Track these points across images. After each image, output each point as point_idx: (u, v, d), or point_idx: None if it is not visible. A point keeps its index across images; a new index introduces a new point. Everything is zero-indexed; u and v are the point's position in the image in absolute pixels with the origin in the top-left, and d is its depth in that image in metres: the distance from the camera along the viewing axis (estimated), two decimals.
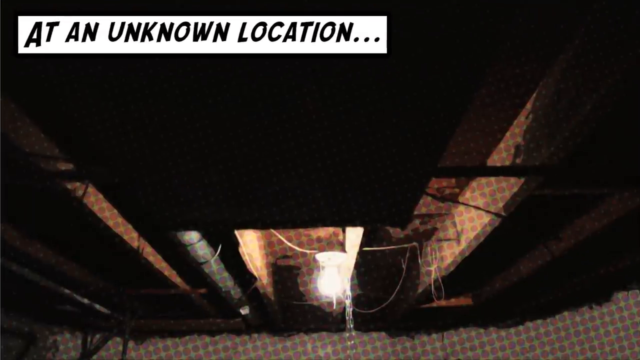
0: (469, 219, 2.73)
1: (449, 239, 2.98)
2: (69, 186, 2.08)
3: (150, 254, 3.09)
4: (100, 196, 2.42)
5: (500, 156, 2.27)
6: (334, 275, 3.14)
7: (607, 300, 3.86)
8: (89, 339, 5.08)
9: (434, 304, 4.03)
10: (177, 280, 3.67)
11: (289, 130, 0.87)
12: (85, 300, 3.65)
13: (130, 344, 5.17)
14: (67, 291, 3.38)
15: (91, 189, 2.29)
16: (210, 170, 1.02)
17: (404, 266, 3.37)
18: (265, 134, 0.90)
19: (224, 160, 1.00)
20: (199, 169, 1.02)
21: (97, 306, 3.81)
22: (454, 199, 2.56)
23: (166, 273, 3.40)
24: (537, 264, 3.35)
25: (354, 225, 2.16)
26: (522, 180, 2.07)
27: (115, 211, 2.57)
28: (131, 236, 2.79)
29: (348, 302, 3.17)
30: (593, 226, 2.79)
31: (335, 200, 1.13)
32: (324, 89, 0.78)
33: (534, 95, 1.96)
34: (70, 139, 1.70)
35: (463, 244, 2.79)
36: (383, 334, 5.39)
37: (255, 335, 5.43)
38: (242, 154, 0.97)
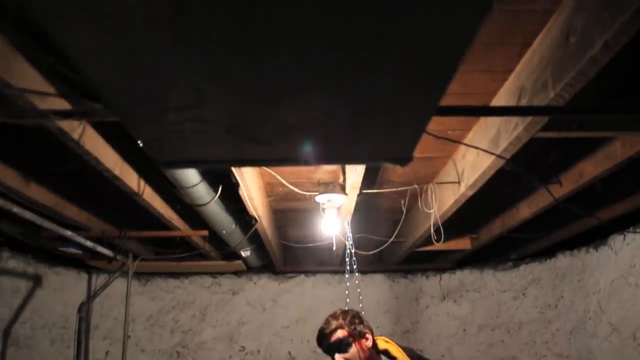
0: (470, 162, 2.72)
1: (449, 182, 2.98)
2: (66, 127, 2.05)
3: (151, 196, 3.09)
4: (99, 138, 2.39)
5: (504, 98, 2.23)
6: (334, 217, 3.16)
7: (603, 244, 3.90)
8: (93, 280, 5.19)
9: (433, 247, 4.08)
10: (178, 222, 3.70)
11: (291, 61, 0.83)
12: (88, 243, 3.69)
13: (134, 284, 5.28)
14: (69, 233, 3.40)
15: (89, 131, 2.26)
16: (208, 104, 0.99)
17: (403, 209, 3.39)
18: (266, 65, 0.86)
19: (222, 94, 0.96)
20: (197, 104, 0.99)
21: (100, 248, 3.86)
22: (456, 140, 2.54)
23: (167, 215, 3.42)
24: (536, 208, 3.37)
25: (356, 163, 2.14)
26: (526, 122, 2.03)
27: (114, 152, 2.55)
28: (131, 178, 2.79)
29: (349, 243, 3.20)
30: (594, 171, 2.78)
31: (338, 138, 1.10)
32: (328, 13, 0.74)
33: (542, 34, 1.90)
34: (64, 75, 1.66)
35: (463, 187, 2.80)
36: (382, 275, 5.50)
37: (256, 276, 5.54)
38: (241, 87, 0.93)
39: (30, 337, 4.65)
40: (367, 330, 2.24)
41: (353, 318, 2.24)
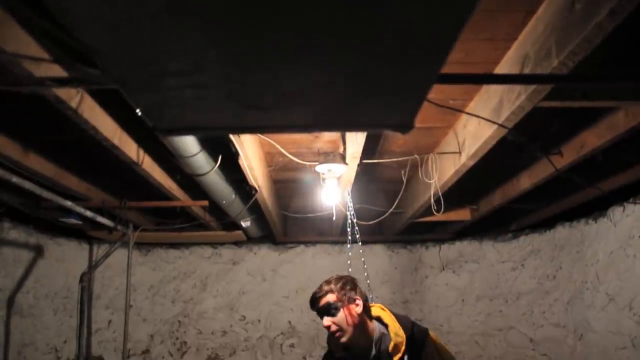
0: (471, 132, 2.70)
1: (450, 152, 2.96)
2: (64, 95, 2.03)
3: (150, 166, 3.08)
4: (97, 107, 2.37)
5: (507, 66, 2.20)
6: (334, 187, 3.16)
7: (603, 215, 3.90)
8: (94, 251, 5.22)
9: (433, 218, 4.09)
10: (178, 192, 3.70)
11: (290, 27, 0.81)
12: (88, 213, 3.69)
13: (135, 255, 5.32)
14: (68, 203, 3.40)
15: (87, 99, 2.24)
16: (207, 70, 0.97)
17: (404, 179, 3.38)
18: (265, 31, 0.84)
19: (221, 60, 0.94)
20: (196, 69, 0.97)
21: (100, 218, 3.87)
22: (457, 109, 2.51)
23: (167, 185, 3.42)
24: (537, 178, 3.36)
25: (357, 130, 2.13)
26: (529, 91, 2.01)
27: (113, 121, 2.53)
28: (130, 147, 2.77)
29: (350, 213, 3.21)
30: (596, 141, 2.76)
31: (338, 104, 1.09)
32: None
33: (546, 0, 1.86)
34: (59, 40, 1.63)
35: (464, 157, 2.78)
36: (382, 246, 5.53)
37: (256, 247, 5.58)
38: (240, 54, 0.91)
39: (34, 307, 4.70)
40: (357, 297, 2.28)
41: (345, 284, 2.28)
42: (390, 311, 2.37)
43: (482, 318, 5.16)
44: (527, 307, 4.77)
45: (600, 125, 2.72)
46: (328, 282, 2.30)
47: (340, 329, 2.21)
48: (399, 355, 2.23)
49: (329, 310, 2.22)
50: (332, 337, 2.24)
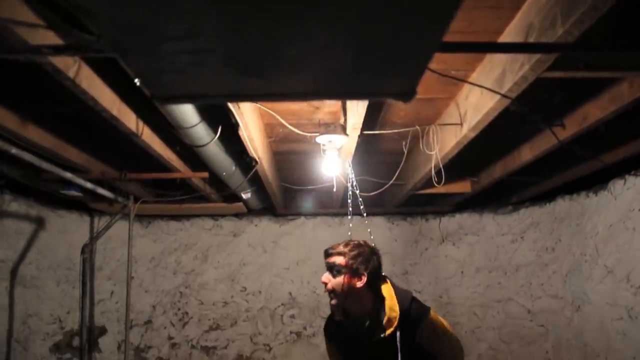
0: (473, 103, 2.68)
1: (451, 124, 2.94)
2: (61, 65, 2.00)
3: (150, 137, 3.07)
4: (95, 77, 2.34)
5: (511, 36, 2.17)
6: (334, 159, 3.15)
7: (604, 188, 3.90)
8: (95, 223, 5.24)
9: (433, 190, 4.09)
10: (178, 164, 3.69)
11: None
12: (88, 184, 3.69)
13: (136, 227, 5.34)
14: (68, 175, 3.40)
15: (84, 69, 2.21)
16: (204, 35, 0.95)
17: (404, 151, 3.37)
18: None
19: (219, 24, 0.92)
20: (193, 34, 0.94)
21: (101, 190, 3.86)
22: (460, 78, 2.48)
23: (166, 157, 3.40)
24: (538, 151, 3.34)
25: (358, 98, 2.10)
26: (532, 61, 1.98)
27: (111, 92, 2.50)
28: (129, 118, 2.75)
29: (350, 184, 3.20)
30: (599, 113, 2.74)
31: (340, 72, 1.07)
32: None
33: None
34: (55, 4, 1.60)
35: (465, 129, 2.76)
36: (382, 218, 5.55)
37: (257, 219, 5.59)
38: (239, 17, 0.89)
39: (37, 278, 4.74)
40: (364, 273, 2.27)
41: (358, 255, 2.27)
42: (393, 285, 2.37)
43: (481, 290, 5.21)
44: (526, 279, 4.81)
45: (604, 97, 2.70)
46: (347, 244, 2.31)
47: (333, 292, 2.25)
48: (391, 329, 2.25)
49: (332, 269, 2.26)
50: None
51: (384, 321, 2.27)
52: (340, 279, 2.24)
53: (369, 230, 3.02)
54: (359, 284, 2.26)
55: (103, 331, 5.24)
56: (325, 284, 2.27)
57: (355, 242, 2.35)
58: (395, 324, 2.24)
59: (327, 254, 2.31)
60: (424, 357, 2.35)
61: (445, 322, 2.40)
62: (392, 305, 2.27)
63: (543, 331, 4.60)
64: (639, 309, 3.35)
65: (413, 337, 2.27)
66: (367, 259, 2.29)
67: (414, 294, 2.39)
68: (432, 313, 2.33)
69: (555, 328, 4.46)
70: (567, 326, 4.26)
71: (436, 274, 5.44)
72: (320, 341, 5.22)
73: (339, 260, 2.26)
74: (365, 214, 3.15)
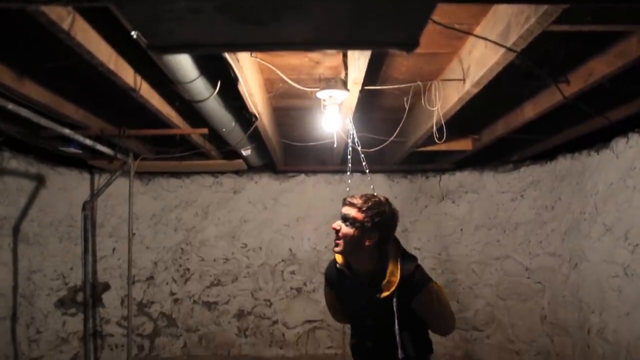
0: (476, 58, 2.62)
1: (454, 79, 2.89)
2: (54, 16, 1.95)
3: (148, 93, 3.02)
4: (90, 29, 2.29)
5: None
6: (335, 114, 3.11)
7: (606, 147, 3.87)
8: (96, 180, 5.24)
9: (434, 148, 4.06)
10: (178, 120, 3.66)
11: None
12: (87, 141, 3.66)
13: (136, 184, 5.35)
14: (67, 131, 3.37)
15: (79, 21, 2.16)
16: None
17: (406, 106, 3.33)
18: None
19: None
20: None
21: (100, 147, 3.84)
22: (464, 31, 2.43)
23: (165, 112, 3.37)
24: (541, 108, 3.31)
25: (360, 48, 2.06)
26: (538, 14, 1.92)
27: (107, 45, 2.45)
28: (127, 73, 2.71)
29: (350, 141, 3.18)
30: (605, 69, 2.69)
31: (342, 20, 1.03)
32: None
33: None
34: None
35: (468, 85, 2.72)
36: (382, 175, 5.55)
37: (257, 176, 5.60)
38: None
39: (39, 235, 4.78)
40: (375, 235, 2.25)
41: (377, 215, 2.24)
42: (401, 248, 2.36)
43: (480, 247, 5.26)
44: (524, 236, 4.84)
45: (611, 52, 2.64)
46: (368, 199, 2.27)
47: (343, 240, 2.24)
48: (388, 293, 2.27)
49: (346, 220, 2.25)
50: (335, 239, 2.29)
51: (383, 283, 2.28)
52: (350, 231, 2.23)
53: (372, 186, 3.01)
54: (368, 243, 2.25)
55: (106, 287, 5.32)
56: (337, 230, 2.25)
57: (377, 199, 2.29)
58: (393, 288, 2.24)
59: (345, 203, 2.29)
60: (415, 321, 2.38)
61: (444, 296, 2.40)
62: (394, 269, 2.27)
63: (540, 288, 4.66)
64: (635, 266, 3.38)
65: (409, 302, 2.29)
66: (383, 221, 2.26)
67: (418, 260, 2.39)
68: (433, 285, 2.32)
69: (551, 285, 4.52)
70: (563, 283, 4.32)
71: (436, 232, 5.48)
72: (320, 297, 5.31)
73: (354, 213, 2.23)
74: (367, 170, 3.13)
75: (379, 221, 2.24)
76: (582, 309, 4.01)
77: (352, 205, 2.25)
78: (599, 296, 3.75)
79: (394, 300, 2.27)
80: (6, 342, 4.41)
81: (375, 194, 2.34)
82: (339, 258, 2.41)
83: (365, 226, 2.22)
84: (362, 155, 3.13)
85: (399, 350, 2.32)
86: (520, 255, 4.88)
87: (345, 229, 2.24)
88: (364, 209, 2.23)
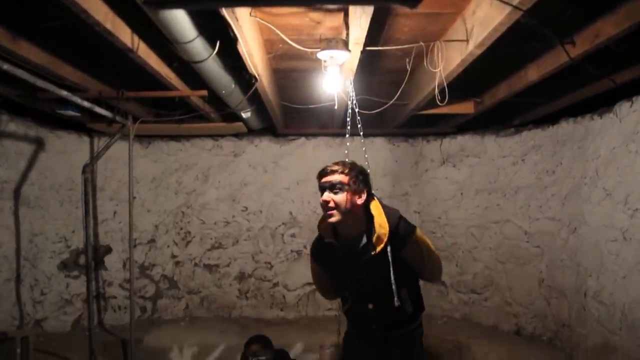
0: (480, 18, 2.57)
1: (457, 40, 2.84)
2: None
3: (146, 53, 2.97)
4: None
5: None
6: (336, 75, 3.07)
7: (609, 111, 3.83)
8: (95, 143, 5.22)
9: (436, 110, 4.03)
10: (177, 82, 3.61)
11: None
12: (86, 103, 3.63)
13: (136, 147, 5.33)
14: (65, 93, 3.33)
15: None
16: None
17: (408, 68, 3.27)
18: None
19: None
20: None
21: (99, 109, 3.81)
22: None
23: (164, 74, 3.32)
24: (545, 70, 3.26)
25: (363, 3, 2.01)
26: None
27: (103, 3, 2.40)
28: (124, 33, 2.65)
29: (351, 103, 3.14)
30: (612, 30, 2.63)
31: None
32: None
33: None
34: None
35: (471, 46, 2.67)
36: (383, 139, 5.52)
37: (257, 139, 5.57)
38: None
39: (40, 198, 4.79)
40: (364, 190, 2.35)
41: (358, 174, 2.34)
42: (381, 204, 2.41)
43: (480, 211, 5.27)
44: (525, 201, 4.85)
45: (619, 12, 2.58)
46: (344, 164, 2.35)
47: (336, 208, 2.27)
48: (381, 246, 2.31)
49: (334, 187, 2.28)
50: (325, 213, 2.31)
51: (374, 239, 2.32)
52: (343, 195, 2.27)
53: (363, 149, 3.01)
54: (359, 201, 2.32)
55: (108, 250, 5.36)
56: (327, 201, 2.28)
57: (348, 162, 2.38)
58: (385, 239, 2.30)
59: (326, 172, 2.33)
60: (407, 271, 2.45)
61: (428, 241, 2.49)
62: (381, 222, 2.32)
63: (538, 252, 4.70)
64: (634, 230, 3.39)
65: (399, 253, 2.35)
66: (365, 176, 2.37)
67: (401, 213, 2.44)
68: (418, 231, 2.41)
69: (550, 249, 4.54)
70: (562, 247, 4.35)
71: (436, 196, 5.49)
72: None
73: (341, 178, 2.29)
74: (362, 133, 3.12)
75: (363, 178, 2.35)
76: (579, 272, 4.04)
77: (333, 172, 2.31)
78: (597, 260, 3.78)
79: (388, 250, 2.31)
80: (11, 303, 4.48)
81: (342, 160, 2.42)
82: (325, 233, 2.45)
83: (353, 186, 2.29)
84: (358, 118, 3.11)
85: (395, 299, 2.40)
86: (520, 219, 4.90)
87: (338, 196, 2.28)
88: (347, 171, 2.31)
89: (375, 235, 2.32)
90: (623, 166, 3.55)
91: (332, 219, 2.29)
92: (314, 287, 5.50)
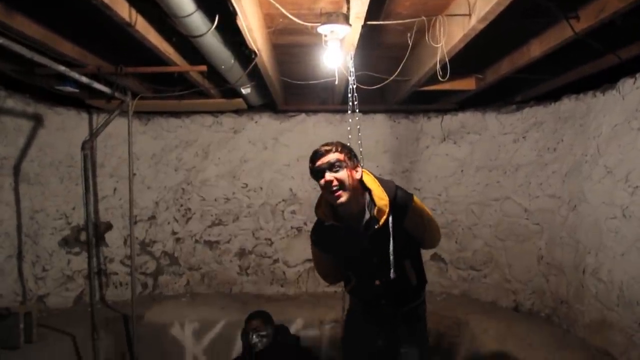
0: None
1: (459, 14, 2.80)
2: None
3: (144, 28, 2.93)
4: None
5: None
6: (336, 50, 3.03)
7: (612, 88, 3.79)
8: (94, 120, 5.19)
9: (437, 86, 4.00)
10: (175, 57, 3.57)
11: None
12: (84, 79, 3.59)
13: (136, 124, 5.30)
14: (62, 68, 3.30)
15: None
16: None
17: (409, 43, 3.23)
18: None
19: None
20: None
21: (97, 85, 3.77)
22: None
23: (163, 49, 3.28)
24: (548, 46, 3.22)
25: None
26: None
27: None
28: (122, 7, 2.62)
29: (351, 79, 3.11)
30: (619, 3, 2.59)
31: None
32: None
33: None
34: None
35: (474, 20, 2.63)
36: (383, 116, 5.49)
37: (257, 115, 5.54)
38: None
39: (40, 175, 4.78)
40: (358, 165, 2.37)
41: (350, 150, 2.36)
42: (375, 176, 2.42)
43: (480, 188, 5.27)
44: (525, 178, 4.84)
45: None
46: (332, 143, 2.33)
47: (342, 187, 2.25)
48: (384, 217, 2.31)
49: (333, 166, 2.26)
50: (331, 195, 2.28)
51: (375, 212, 2.32)
52: (344, 172, 2.26)
53: (358, 127, 2.99)
54: (358, 176, 2.33)
55: (109, 227, 5.38)
56: (331, 181, 2.24)
57: (334, 141, 2.37)
58: (387, 211, 2.30)
59: (320, 154, 2.30)
60: (409, 242, 2.46)
61: (426, 208, 2.52)
62: (379, 194, 2.32)
63: (538, 229, 4.71)
64: (633, 208, 3.39)
65: (401, 223, 2.36)
66: (354, 153, 2.39)
67: (396, 182, 2.45)
68: (416, 198, 2.42)
69: (550, 226, 4.55)
70: (561, 225, 4.35)
71: (436, 172, 5.48)
72: None
73: (337, 156, 2.27)
74: (357, 110, 3.09)
75: (353, 152, 2.37)
76: (578, 249, 4.06)
77: (328, 152, 2.29)
78: (596, 237, 3.79)
79: (390, 221, 2.31)
80: (14, 279, 4.51)
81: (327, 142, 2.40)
82: (324, 217, 2.43)
83: (349, 162, 2.30)
84: (355, 95, 3.08)
85: (391, 271, 2.41)
86: (520, 196, 4.90)
87: (339, 174, 2.26)
88: (340, 148, 2.31)
89: (376, 208, 2.31)
90: (625, 144, 3.53)
91: (342, 199, 2.25)
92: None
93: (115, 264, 5.42)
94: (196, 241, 5.60)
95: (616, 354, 3.51)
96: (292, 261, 5.62)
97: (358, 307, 2.79)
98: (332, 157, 2.26)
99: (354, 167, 2.32)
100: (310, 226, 5.63)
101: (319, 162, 2.28)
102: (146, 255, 5.56)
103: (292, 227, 5.61)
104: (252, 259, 5.62)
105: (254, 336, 4.12)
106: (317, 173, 2.29)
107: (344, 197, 2.25)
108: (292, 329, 4.75)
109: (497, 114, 5.10)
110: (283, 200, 5.59)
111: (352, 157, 2.33)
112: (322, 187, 2.29)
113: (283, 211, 5.60)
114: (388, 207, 2.29)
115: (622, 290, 3.46)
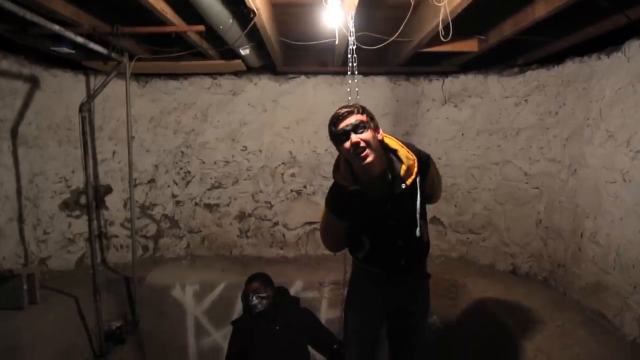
0: None
1: None
2: None
3: None
4: None
5: None
6: (337, 9, 2.96)
7: (617, 50, 3.72)
8: (91, 82, 5.12)
9: (439, 48, 3.92)
10: (173, 17, 3.49)
11: None
12: (79, 39, 3.52)
13: (133, 86, 5.24)
14: (57, 27, 3.23)
15: None
16: None
17: (411, 2, 3.16)
18: None
19: None
20: None
21: (94, 45, 3.70)
22: None
23: (159, 7, 3.20)
24: (554, 6, 3.14)
25: None
26: None
27: None
28: None
29: (351, 39, 3.05)
30: None
31: None
32: None
33: None
34: None
35: None
36: (384, 78, 5.42)
37: (256, 77, 5.47)
38: None
39: (38, 138, 4.75)
40: (378, 126, 2.36)
41: (369, 112, 2.34)
42: (394, 136, 2.42)
43: (480, 152, 5.25)
44: (526, 142, 4.82)
45: None
46: (352, 105, 2.30)
47: (369, 147, 2.22)
48: (412, 177, 2.31)
49: (358, 127, 2.22)
50: (356, 157, 2.23)
51: (402, 171, 2.31)
52: (369, 133, 2.24)
53: (356, 89, 2.95)
54: (380, 137, 2.33)
55: (108, 190, 5.38)
56: (358, 142, 2.20)
57: (352, 103, 2.35)
58: (415, 169, 2.32)
59: (342, 117, 2.24)
60: (424, 198, 2.47)
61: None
62: (406, 154, 2.32)
63: (537, 193, 4.71)
64: (634, 172, 3.38)
65: (423, 180, 2.39)
66: (373, 115, 2.36)
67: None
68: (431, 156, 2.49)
69: (549, 190, 4.55)
70: (561, 189, 4.35)
71: (436, 136, 5.45)
72: (320, 199, 5.39)
73: (359, 117, 2.24)
74: (356, 72, 3.03)
75: (372, 114, 2.35)
76: (577, 213, 4.07)
77: (350, 114, 2.25)
78: (595, 201, 3.79)
79: (417, 182, 2.35)
80: (15, 242, 4.53)
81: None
82: (345, 181, 2.37)
83: (371, 123, 2.28)
84: (355, 56, 3.01)
85: (417, 229, 2.44)
86: (520, 160, 4.88)
87: (365, 135, 2.22)
88: (360, 110, 2.28)
89: (404, 167, 2.31)
90: (628, 107, 3.49)
91: (369, 159, 2.22)
92: (313, 226, 5.58)
93: (115, 227, 5.45)
94: (196, 204, 5.62)
95: (610, 316, 3.56)
96: (292, 224, 5.65)
97: (364, 272, 2.76)
98: (355, 118, 2.22)
99: (377, 129, 2.31)
100: (309, 189, 5.68)
101: (342, 124, 2.23)
102: (146, 218, 5.58)
103: (291, 190, 5.62)
104: (251, 222, 5.65)
105: (254, 298, 4.17)
106: (340, 136, 2.24)
107: (370, 157, 2.22)
108: (292, 291, 4.82)
109: (499, 77, 5.04)
110: (283, 163, 5.58)
111: (373, 119, 2.32)
112: (346, 151, 2.25)
113: (283, 174, 5.60)
114: (416, 166, 2.30)
115: (619, 254, 3.49)
